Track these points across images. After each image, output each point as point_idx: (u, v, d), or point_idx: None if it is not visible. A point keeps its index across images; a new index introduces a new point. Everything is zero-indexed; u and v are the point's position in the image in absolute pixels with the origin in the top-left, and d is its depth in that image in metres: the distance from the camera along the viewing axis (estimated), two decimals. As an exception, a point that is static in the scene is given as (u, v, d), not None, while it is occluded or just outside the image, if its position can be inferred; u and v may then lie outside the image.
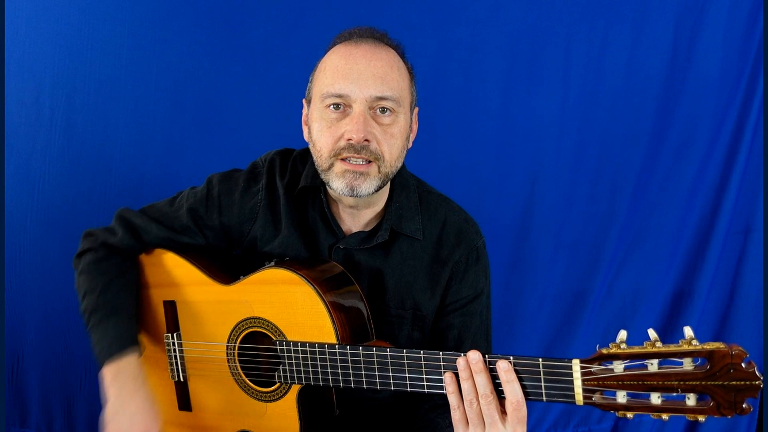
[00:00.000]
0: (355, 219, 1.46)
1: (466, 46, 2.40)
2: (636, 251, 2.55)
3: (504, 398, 1.15)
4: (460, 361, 1.17)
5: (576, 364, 1.10)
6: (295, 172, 1.50)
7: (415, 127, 1.46)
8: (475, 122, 2.44)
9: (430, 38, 2.38)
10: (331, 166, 1.35)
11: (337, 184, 1.34)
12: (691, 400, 1.04)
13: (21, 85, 2.29)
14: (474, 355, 1.15)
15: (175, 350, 1.53)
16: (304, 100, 1.46)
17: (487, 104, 2.42)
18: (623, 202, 2.51)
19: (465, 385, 1.16)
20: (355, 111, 1.32)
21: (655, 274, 2.56)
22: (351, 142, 1.31)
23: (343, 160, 1.33)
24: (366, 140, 1.31)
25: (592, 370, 1.08)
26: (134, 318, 1.49)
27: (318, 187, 1.45)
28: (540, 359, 1.13)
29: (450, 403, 1.19)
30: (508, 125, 2.44)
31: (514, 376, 1.13)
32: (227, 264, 1.54)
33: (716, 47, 2.43)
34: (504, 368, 1.13)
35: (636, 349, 1.06)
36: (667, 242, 2.54)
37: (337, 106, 1.33)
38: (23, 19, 2.26)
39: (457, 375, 1.18)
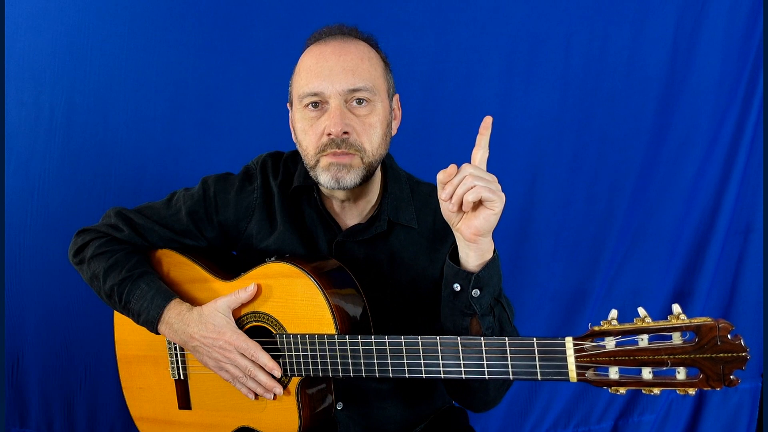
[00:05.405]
0: (350, 213, 1.49)
1: (466, 46, 2.41)
2: (636, 251, 2.55)
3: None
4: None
5: (569, 341, 1.13)
6: (288, 172, 1.54)
7: (398, 113, 1.50)
8: (475, 122, 2.43)
9: (430, 38, 2.39)
10: (317, 162, 1.39)
11: (323, 178, 1.38)
12: (681, 373, 1.07)
13: (21, 85, 2.29)
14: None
15: (175, 347, 1.53)
16: (288, 105, 1.50)
17: (486, 104, 2.42)
18: (622, 201, 2.50)
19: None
20: (332, 106, 1.36)
21: (655, 274, 2.56)
22: (331, 137, 1.35)
23: (327, 155, 1.37)
24: (345, 132, 1.35)
25: (584, 347, 1.12)
26: (158, 277, 1.52)
27: (311, 186, 1.48)
28: (534, 338, 1.16)
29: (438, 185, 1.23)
30: (507, 125, 2.43)
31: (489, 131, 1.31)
32: (227, 261, 1.55)
33: (716, 47, 2.43)
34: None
35: (627, 326, 1.09)
36: (667, 242, 2.54)
37: (315, 104, 1.38)
38: (23, 19, 2.26)
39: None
